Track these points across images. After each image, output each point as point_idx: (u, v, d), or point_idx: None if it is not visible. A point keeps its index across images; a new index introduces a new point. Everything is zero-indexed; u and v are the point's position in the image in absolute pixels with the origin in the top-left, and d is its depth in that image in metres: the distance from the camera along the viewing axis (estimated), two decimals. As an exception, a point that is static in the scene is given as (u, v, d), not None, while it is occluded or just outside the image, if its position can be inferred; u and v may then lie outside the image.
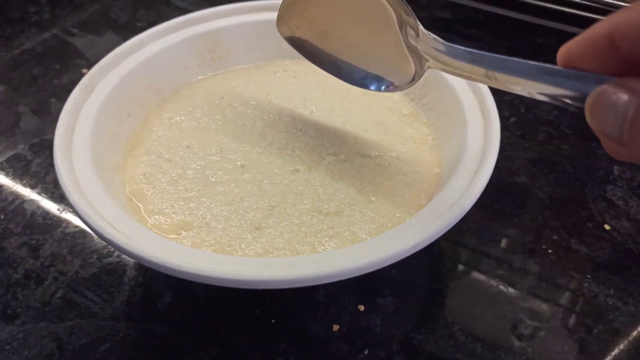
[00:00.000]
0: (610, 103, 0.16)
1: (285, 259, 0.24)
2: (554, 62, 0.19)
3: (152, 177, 0.31)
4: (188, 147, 0.32)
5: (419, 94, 0.35)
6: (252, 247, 0.27)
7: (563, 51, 0.18)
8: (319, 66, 0.30)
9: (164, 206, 0.29)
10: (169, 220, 0.28)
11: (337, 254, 0.23)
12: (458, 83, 0.32)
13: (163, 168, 0.31)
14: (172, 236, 0.28)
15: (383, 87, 0.28)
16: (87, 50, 0.50)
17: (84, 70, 0.47)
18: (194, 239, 0.28)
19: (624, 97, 0.16)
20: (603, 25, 0.17)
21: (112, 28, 0.53)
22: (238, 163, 0.31)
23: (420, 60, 0.25)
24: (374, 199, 0.29)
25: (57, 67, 0.48)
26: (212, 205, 0.29)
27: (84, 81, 0.32)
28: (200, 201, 0.29)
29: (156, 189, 0.30)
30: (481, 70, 0.21)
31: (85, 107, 0.31)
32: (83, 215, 0.25)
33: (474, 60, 0.21)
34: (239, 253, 0.27)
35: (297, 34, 0.30)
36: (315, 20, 0.29)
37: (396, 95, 0.36)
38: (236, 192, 0.30)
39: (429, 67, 0.25)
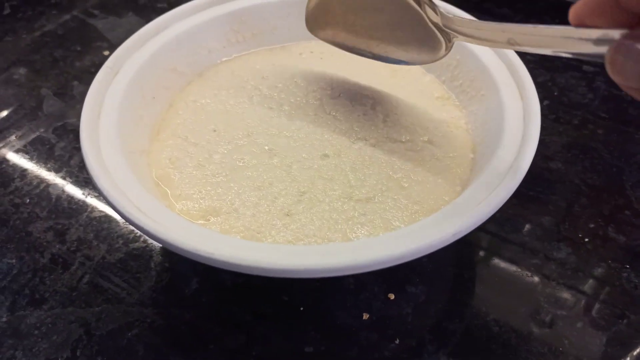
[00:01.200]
0: (627, 54, 0.17)
1: (318, 246, 0.23)
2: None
3: (179, 162, 0.30)
4: (214, 130, 0.32)
5: (450, 77, 0.34)
6: (282, 234, 0.26)
7: (573, 11, 0.19)
8: (353, 53, 0.31)
9: (192, 191, 0.28)
10: (196, 205, 0.28)
11: (374, 242, 0.22)
12: (493, 65, 0.31)
13: (189, 152, 0.31)
14: (200, 222, 0.27)
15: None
16: (108, 32, 0.49)
17: (106, 52, 0.46)
18: (223, 225, 0.27)
19: (637, 46, 0.17)
20: None
21: (133, 9, 0.52)
22: (266, 147, 0.31)
23: (446, 34, 0.26)
24: (406, 185, 0.28)
25: (79, 49, 0.47)
26: (240, 191, 0.28)
27: (108, 63, 0.32)
28: (228, 186, 0.29)
29: (183, 173, 0.29)
30: (503, 37, 0.22)
31: (110, 90, 0.30)
32: (112, 200, 0.24)
33: (495, 29, 0.23)
34: (269, 240, 0.26)
35: (328, 30, 0.31)
36: (341, 14, 0.30)
37: (427, 78, 0.35)
38: (264, 177, 0.29)
39: (455, 39, 0.26)
